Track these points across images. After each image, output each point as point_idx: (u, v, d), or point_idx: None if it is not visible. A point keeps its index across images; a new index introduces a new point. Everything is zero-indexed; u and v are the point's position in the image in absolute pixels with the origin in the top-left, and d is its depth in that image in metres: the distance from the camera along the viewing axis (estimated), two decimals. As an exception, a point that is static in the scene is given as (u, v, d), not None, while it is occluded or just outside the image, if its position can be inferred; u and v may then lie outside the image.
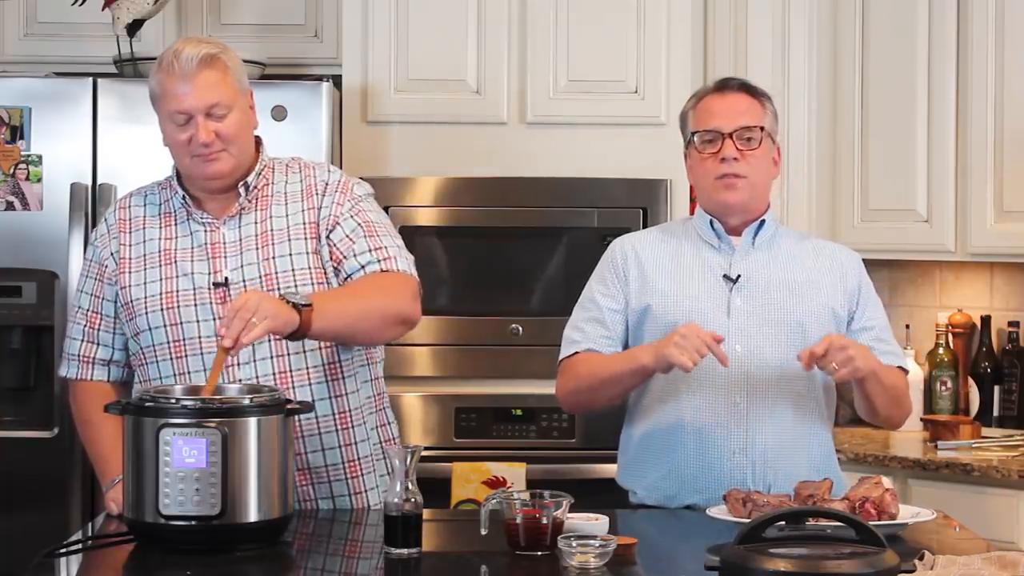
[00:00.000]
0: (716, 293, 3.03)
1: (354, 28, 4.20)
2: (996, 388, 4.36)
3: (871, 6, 4.34)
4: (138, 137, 3.99)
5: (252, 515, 2.53)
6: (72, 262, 3.90)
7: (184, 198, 2.94)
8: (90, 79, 4.00)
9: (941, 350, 4.43)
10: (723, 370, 2.97)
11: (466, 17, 4.20)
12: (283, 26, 4.54)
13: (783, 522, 2.21)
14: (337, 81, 4.20)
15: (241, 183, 2.92)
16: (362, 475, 2.97)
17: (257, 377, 2.85)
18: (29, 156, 3.96)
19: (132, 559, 2.53)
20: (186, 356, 2.87)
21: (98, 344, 2.97)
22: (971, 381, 4.39)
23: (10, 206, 3.95)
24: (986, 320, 4.41)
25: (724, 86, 3.09)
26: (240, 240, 2.91)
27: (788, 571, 2.06)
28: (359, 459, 2.97)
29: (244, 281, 2.86)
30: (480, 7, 4.19)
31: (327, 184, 2.97)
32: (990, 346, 4.39)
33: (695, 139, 3.04)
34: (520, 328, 4.13)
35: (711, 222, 3.08)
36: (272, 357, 2.86)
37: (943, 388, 4.41)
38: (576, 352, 3.07)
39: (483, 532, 2.56)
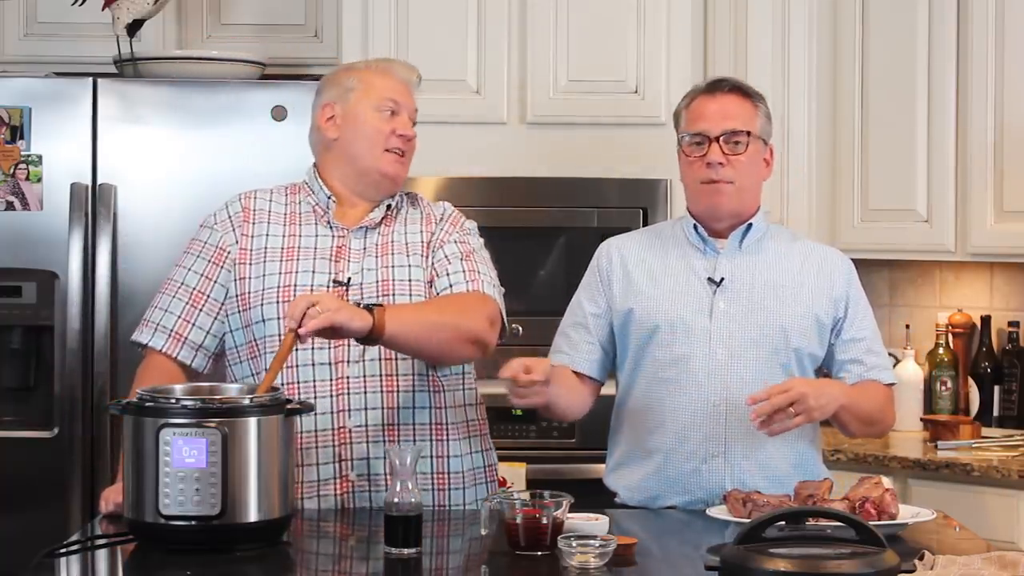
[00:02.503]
0: (699, 296, 3.03)
1: (354, 28, 4.20)
2: (996, 388, 4.36)
3: (871, 6, 4.33)
4: (138, 137, 3.99)
5: (252, 515, 2.53)
6: (72, 262, 3.90)
7: (330, 198, 3.01)
8: (90, 79, 4.00)
9: (941, 350, 4.43)
10: (704, 373, 2.98)
11: (466, 17, 4.20)
12: (283, 26, 4.55)
13: (783, 522, 2.21)
14: (337, 81, 4.20)
15: (385, 202, 3.02)
16: (449, 489, 2.97)
17: (365, 377, 2.89)
18: (29, 156, 3.96)
19: (132, 559, 2.53)
20: (296, 349, 2.86)
21: (194, 325, 2.97)
22: (971, 381, 4.39)
23: (10, 206, 3.95)
24: (986, 320, 4.41)
25: (716, 87, 3.07)
26: (364, 249, 2.97)
27: (788, 571, 2.06)
28: (449, 472, 2.97)
29: (363, 284, 2.91)
30: (480, 7, 4.19)
31: (443, 215, 3.08)
32: (990, 346, 4.39)
33: (683, 141, 3.04)
34: (520, 328, 4.12)
35: (695, 226, 3.08)
36: (380, 360, 2.90)
37: (943, 388, 4.41)
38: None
39: (483, 532, 2.56)
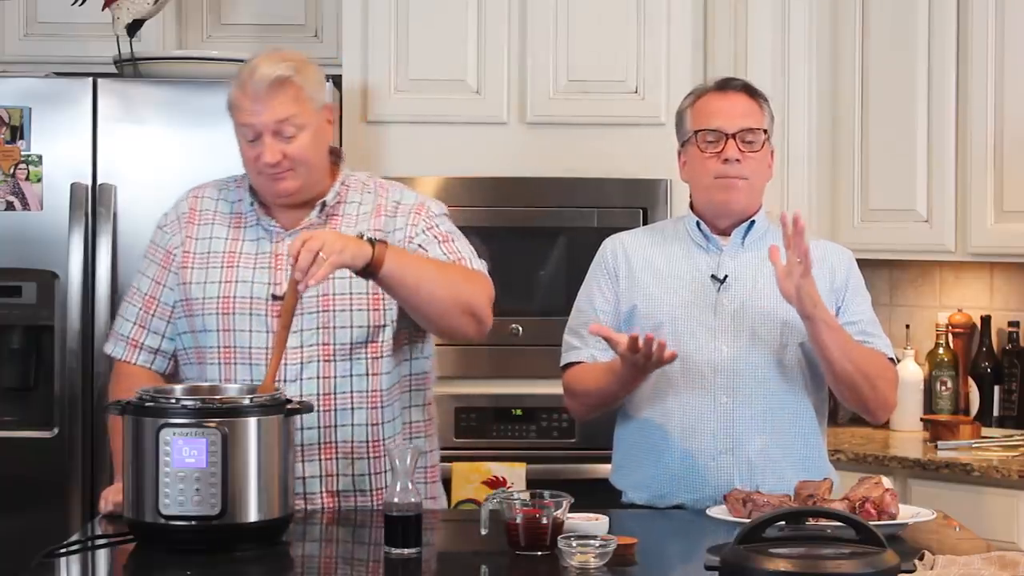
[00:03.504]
0: (703, 293, 3.03)
1: (354, 28, 4.21)
2: (996, 388, 4.36)
3: (871, 6, 4.34)
4: (138, 137, 3.99)
5: (252, 515, 2.53)
6: (72, 262, 3.90)
7: (252, 204, 2.93)
8: (90, 79, 4.00)
9: (941, 350, 4.43)
10: (710, 370, 2.98)
11: (466, 17, 4.20)
12: (283, 26, 4.54)
13: (783, 522, 2.21)
14: (337, 81, 4.20)
15: (319, 201, 2.90)
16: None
17: (301, 395, 2.83)
18: (29, 156, 3.96)
19: (132, 559, 2.53)
20: (235, 363, 2.86)
21: (148, 330, 2.97)
22: (971, 381, 4.39)
23: (10, 206, 3.95)
24: (986, 320, 4.41)
25: (726, 86, 3.09)
26: None
27: (788, 571, 2.06)
28: (387, 487, 2.95)
29: (300, 297, 2.80)
30: (480, 7, 4.19)
31: (399, 205, 2.95)
32: (990, 346, 4.39)
33: (696, 138, 3.04)
34: (520, 328, 4.13)
35: (698, 223, 3.08)
36: (319, 377, 2.86)
37: (943, 388, 4.41)
38: (574, 363, 3.09)
39: (483, 532, 2.56)
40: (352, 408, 2.89)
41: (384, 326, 2.90)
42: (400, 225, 2.93)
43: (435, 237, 2.92)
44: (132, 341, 2.98)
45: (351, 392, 2.89)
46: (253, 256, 2.91)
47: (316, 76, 2.90)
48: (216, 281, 2.90)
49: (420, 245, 2.91)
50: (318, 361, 2.86)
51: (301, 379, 2.86)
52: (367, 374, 2.90)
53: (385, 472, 2.94)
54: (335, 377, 2.88)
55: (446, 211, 3.02)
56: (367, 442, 2.92)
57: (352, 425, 2.90)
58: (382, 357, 2.91)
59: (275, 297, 2.86)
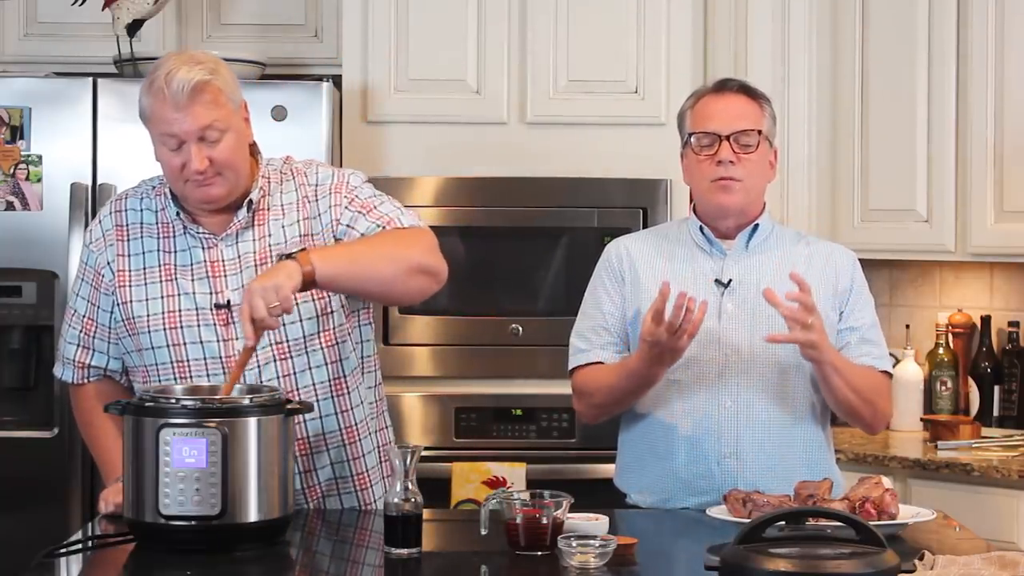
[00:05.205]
0: (707, 298, 3.02)
1: (354, 28, 4.21)
2: (996, 388, 4.36)
3: (871, 6, 4.34)
4: (138, 137, 3.94)
5: (252, 515, 2.53)
6: (72, 262, 3.89)
7: (178, 214, 2.87)
8: (90, 79, 4.00)
9: (941, 350, 4.43)
10: (715, 374, 2.98)
11: (466, 17, 4.20)
12: (283, 26, 4.54)
13: (783, 522, 2.21)
14: (337, 81, 4.20)
15: (245, 200, 2.85)
16: (371, 486, 2.97)
17: None
18: (29, 156, 3.96)
19: (132, 559, 2.53)
20: (190, 376, 2.84)
21: (93, 351, 2.94)
22: (971, 381, 4.39)
23: (10, 206, 3.95)
24: (986, 320, 4.41)
25: (723, 87, 3.08)
26: (239, 257, 2.86)
27: (788, 571, 2.06)
28: (367, 470, 2.97)
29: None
30: (480, 7, 4.19)
31: (317, 187, 2.91)
32: (990, 346, 4.39)
33: (692, 140, 3.04)
34: (520, 328, 4.13)
35: (701, 227, 3.08)
36: (279, 377, 2.84)
37: (943, 388, 4.41)
38: (583, 364, 3.08)
39: (483, 532, 2.56)
40: (318, 400, 2.86)
41: (332, 312, 2.88)
42: (324, 208, 2.90)
43: (359, 210, 2.88)
44: (79, 364, 2.95)
45: (313, 384, 2.87)
46: (189, 267, 2.86)
47: (231, 76, 2.82)
48: (157, 297, 2.86)
49: (348, 225, 2.87)
50: (274, 361, 2.83)
51: (262, 382, 2.82)
52: (326, 363, 2.88)
53: (364, 456, 2.95)
54: (295, 373, 2.86)
55: (365, 178, 2.98)
56: (339, 429, 2.91)
57: (321, 417, 2.88)
58: (337, 344, 2.89)
59: (218, 306, 2.83)
